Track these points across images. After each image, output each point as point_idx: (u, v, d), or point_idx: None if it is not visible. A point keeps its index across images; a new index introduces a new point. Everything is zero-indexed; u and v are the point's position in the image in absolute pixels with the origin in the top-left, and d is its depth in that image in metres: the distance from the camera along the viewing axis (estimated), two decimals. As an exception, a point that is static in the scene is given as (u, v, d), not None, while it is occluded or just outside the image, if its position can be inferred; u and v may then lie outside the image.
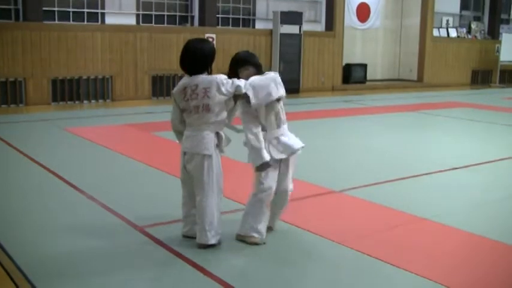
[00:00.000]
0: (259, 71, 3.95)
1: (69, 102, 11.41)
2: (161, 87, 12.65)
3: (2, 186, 5.39)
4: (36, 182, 5.53)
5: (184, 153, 3.85)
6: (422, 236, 4.24)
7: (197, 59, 3.84)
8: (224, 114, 3.83)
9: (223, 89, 3.74)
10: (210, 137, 3.79)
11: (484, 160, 6.87)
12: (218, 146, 3.85)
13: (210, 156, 3.78)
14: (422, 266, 3.64)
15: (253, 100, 3.74)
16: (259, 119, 3.86)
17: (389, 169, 6.34)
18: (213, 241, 3.82)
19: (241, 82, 3.79)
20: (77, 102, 11.51)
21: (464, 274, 3.60)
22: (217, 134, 3.84)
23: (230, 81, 3.79)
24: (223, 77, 3.79)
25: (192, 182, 3.86)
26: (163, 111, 10.55)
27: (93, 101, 11.73)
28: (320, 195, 5.23)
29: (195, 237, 3.90)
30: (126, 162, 6.41)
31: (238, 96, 3.81)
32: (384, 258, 3.73)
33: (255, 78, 3.84)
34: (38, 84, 10.97)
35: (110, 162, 6.45)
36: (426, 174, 6.12)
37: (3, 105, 10.68)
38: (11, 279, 3.36)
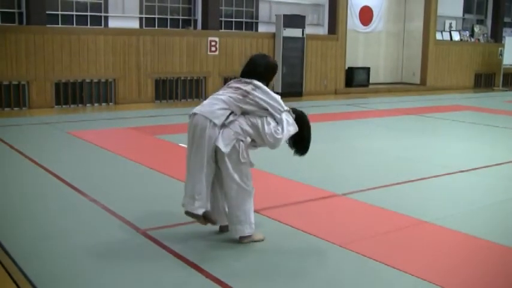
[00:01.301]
0: None
1: (72, 105, 11.44)
2: (164, 90, 12.67)
3: (4, 188, 5.41)
4: (38, 185, 5.55)
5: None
6: (423, 238, 4.24)
7: (257, 72, 4.05)
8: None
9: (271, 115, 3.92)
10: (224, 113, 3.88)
11: (487, 163, 6.86)
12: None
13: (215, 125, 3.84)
14: (422, 268, 3.64)
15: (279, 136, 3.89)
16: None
17: (391, 172, 6.34)
18: (198, 211, 3.88)
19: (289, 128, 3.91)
20: (80, 105, 11.53)
21: (463, 276, 3.60)
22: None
23: (283, 123, 3.91)
24: (284, 117, 3.92)
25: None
26: (166, 115, 10.59)
27: (96, 104, 11.75)
28: (322, 198, 5.24)
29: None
30: (128, 165, 6.43)
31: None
32: (384, 260, 3.73)
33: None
34: (41, 88, 11.01)
35: (112, 165, 6.46)
36: (428, 177, 6.11)
37: (6, 109, 10.71)
38: (13, 280, 3.37)
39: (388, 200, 5.13)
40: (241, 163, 3.89)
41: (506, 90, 18.72)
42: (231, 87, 4.02)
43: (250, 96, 3.90)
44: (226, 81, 13.29)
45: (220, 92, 4.04)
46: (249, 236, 3.98)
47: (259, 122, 3.90)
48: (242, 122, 3.90)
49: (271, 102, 3.92)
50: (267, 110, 3.91)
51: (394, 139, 8.73)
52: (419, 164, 6.83)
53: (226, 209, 4.07)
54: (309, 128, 4.09)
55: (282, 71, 13.83)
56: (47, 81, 11.06)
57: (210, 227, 4.22)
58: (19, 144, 7.28)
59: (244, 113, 3.93)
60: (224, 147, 3.82)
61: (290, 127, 3.91)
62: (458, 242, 4.20)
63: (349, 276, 3.55)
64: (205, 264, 3.60)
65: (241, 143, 3.87)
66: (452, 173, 6.33)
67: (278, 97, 3.98)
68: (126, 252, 3.85)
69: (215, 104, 3.90)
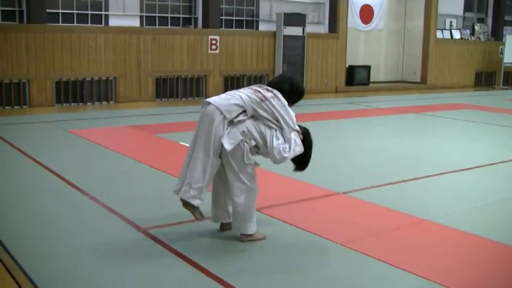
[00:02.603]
0: None
1: (72, 103, 11.44)
2: (165, 89, 12.67)
3: (4, 187, 5.41)
4: (39, 183, 5.55)
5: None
6: (424, 237, 4.25)
7: (282, 87, 4.09)
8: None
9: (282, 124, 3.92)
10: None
11: (488, 162, 6.86)
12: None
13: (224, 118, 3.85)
14: (423, 267, 3.64)
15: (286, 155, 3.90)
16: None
17: (392, 171, 6.34)
18: (194, 202, 3.92)
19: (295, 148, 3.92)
20: (80, 104, 11.54)
21: (465, 275, 3.60)
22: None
23: (291, 142, 3.92)
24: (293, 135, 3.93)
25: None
26: (167, 113, 10.58)
27: (96, 102, 11.75)
28: (323, 197, 5.24)
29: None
30: (129, 163, 6.42)
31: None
32: (386, 259, 3.73)
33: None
34: (41, 86, 11.00)
35: (113, 163, 6.46)
36: (429, 176, 6.11)
37: (7, 107, 10.71)
38: (14, 279, 3.37)
39: (389, 199, 5.13)
40: (246, 163, 3.89)
41: (507, 89, 18.72)
42: (251, 89, 4.03)
43: (267, 103, 3.90)
44: (226, 79, 13.33)
45: (241, 89, 4.05)
46: (251, 235, 3.99)
47: (268, 133, 3.90)
48: (250, 126, 3.89)
49: (285, 116, 3.93)
50: (279, 121, 3.91)
51: (394, 137, 8.73)
52: (420, 162, 6.83)
53: (229, 207, 4.07)
54: (311, 148, 4.13)
55: (283, 70, 13.83)
56: (47, 80, 11.05)
57: (210, 226, 4.22)
58: (19, 143, 7.28)
59: (256, 118, 3.92)
60: (228, 145, 3.82)
61: (297, 148, 3.92)
62: (459, 241, 4.20)
63: (351, 275, 3.55)
64: (206, 263, 3.60)
65: (245, 143, 3.87)
66: (453, 172, 6.32)
67: (293, 115, 3.98)
68: (126, 250, 3.85)
69: (231, 99, 3.91)
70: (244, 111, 3.89)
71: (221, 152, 3.89)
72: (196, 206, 3.96)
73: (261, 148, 3.95)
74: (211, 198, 4.16)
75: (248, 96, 3.93)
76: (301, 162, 4.12)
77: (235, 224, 4.04)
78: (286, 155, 3.87)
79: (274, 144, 3.88)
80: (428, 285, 3.39)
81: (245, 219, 3.96)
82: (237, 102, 3.89)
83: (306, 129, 4.14)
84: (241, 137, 3.85)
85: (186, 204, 3.98)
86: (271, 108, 3.90)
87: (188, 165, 3.95)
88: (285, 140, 3.91)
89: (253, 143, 3.91)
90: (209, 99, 3.95)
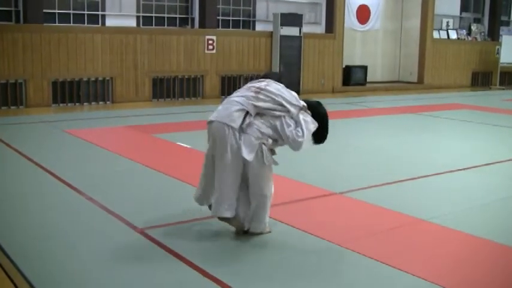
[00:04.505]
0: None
1: (69, 104, 11.42)
2: (161, 89, 12.65)
3: (1, 187, 5.39)
4: (35, 184, 5.53)
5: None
6: (422, 237, 4.24)
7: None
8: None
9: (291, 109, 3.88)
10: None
11: (485, 162, 6.87)
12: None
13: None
14: (421, 267, 3.64)
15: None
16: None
17: (389, 171, 6.34)
18: (227, 214, 3.92)
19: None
20: (77, 104, 11.51)
21: (463, 275, 3.60)
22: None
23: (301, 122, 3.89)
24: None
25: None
26: (163, 113, 10.57)
27: (93, 103, 11.73)
28: (320, 197, 5.23)
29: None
30: (126, 163, 6.41)
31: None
32: (384, 259, 3.73)
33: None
34: (38, 86, 10.98)
35: (109, 163, 6.45)
36: (427, 176, 6.11)
37: (3, 107, 10.68)
38: (11, 280, 3.36)
39: (386, 199, 5.13)
40: (265, 165, 3.89)
41: (504, 89, 18.75)
42: (244, 87, 4.03)
43: (264, 92, 3.88)
44: (223, 79, 13.32)
45: (234, 94, 4.03)
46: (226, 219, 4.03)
47: (277, 123, 3.87)
48: (260, 125, 3.87)
49: (285, 96, 3.89)
50: (283, 105, 3.87)
51: (391, 137, 8.73)
52: (417, 162, 6.84)
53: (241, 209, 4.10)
54: (325, 120, 4.08)
55: (279, 70, 13.83)
56: (44, 80, 11.03)
57: (208, 227, 4.22)
58: (16, 143, 7.25)
59: (261, 114, 3.90)
60: (248, 155, 3.81)
61: (310, 126, 3.89)
62: (457, 241, 4.20)
63: (349, 275, 3.55)
64: (203, 263, 3.59)
65: (263, 146, 3.86)
66: (451, 172, 6.33)
67: (294, 93, 3.97)
68: (123, 251, 3.84)
69: (230, 107, 3.89)
70: (247, 112, 3.87)
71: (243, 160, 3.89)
72: (230, 217, 3.98)
73: (279, 141, 3.94)
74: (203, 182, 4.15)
75: (244, 96, 3.91)
76: (319, 136, 4.08)
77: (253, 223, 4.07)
78: (300, 139, 3.84)
79: (287, 132, 3.83)
80: (426, 286, 3.38)
81: (260, 219, 4.04)
82: (237, 107, 3.86)
83: (317, 102, 4.11)
84: (257, 142, 3.83)
85: (222, 218, 4.02)
86: (269, 95, 3.88)
87: (209, 181, 4.00)
88: (296, 124, 3.87)
89: (270, 141, 3.90)
90: (211, 117, 3.94)
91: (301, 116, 3.90)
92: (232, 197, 3.93)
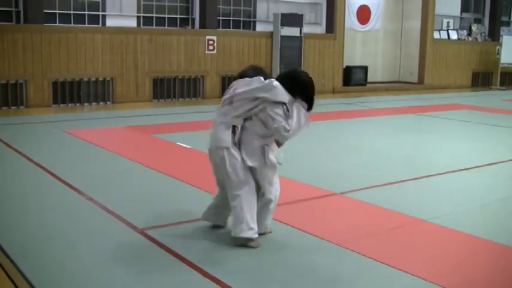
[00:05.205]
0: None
1: (69, 104, 11.41)
2: (162, 89, 12.65)
3: (1, 187, 5.39)
4: (35, 184, 5.53)
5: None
6: (422, 237, 4.24)
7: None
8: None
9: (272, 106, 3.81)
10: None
11: (485, 162, 6.87)
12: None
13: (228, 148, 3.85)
14: (422, 267, 3.64)
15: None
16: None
17: (390, 171, 6.34)
18: (246, 234, 3.85)
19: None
20: (77, 104, 11.51)
21: (463, 275, 3.60)
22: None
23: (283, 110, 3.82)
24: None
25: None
26: (164, 114, 10.57)
27: (93, 103, 11.73)
28: (320, 197, 5.23)
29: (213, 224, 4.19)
30: (126, 164, 6.41)
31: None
32: (384, 259, 3.73)
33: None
34: (38, 86, 10.98)
35: (110, 164, 6.45)
36: (427, 176, 6.11)
37: (3, 107, 10.68)
38: (11, 280, 3.36)
39: (387, 199, 5.13)
40: (267, 166, 3.90)
41: (504, 89, 18.74)
42: (221, 103, 3.97)
43: (236, 97, 3.85)
44: (223, 80, 13.31)
45: (216, 112, 3.98)
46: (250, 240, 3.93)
47: (267, 118, 3.81)
48: (255, 129, 3.88)
49: (252, 88, 3.81)
50: (257, 97, 3.80)
51: (392, 137, 8.73)
52: (417, 162, 6.84)
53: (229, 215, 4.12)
54: (309, 85, 3.96)
55: (280, 70, 13.82)
56: (44, 80, 11.03)
57: (207, 227, 4.22)
58: (16, 143, 7.25)
59: (248, 118, 3.88)
60: (252, 163, 3.84)
61: (302, 120, 3.85)
62: (457, 241, 4.20)
63: (349, 275, 3.55)
64: (203, 263, 3.59)
65: (265, 147, 3.87)
66: (451, 172, 6.33)
67: (259, 80, 3.86)
68: (123, 251, 3.84)
69: (216, 131, 3.89)
70: (234, 126, 3.85)
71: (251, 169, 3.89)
72: (253, 238, 3.91)
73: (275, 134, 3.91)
74: (216, 202, 4.18)
75: (221, 114, 3.89)
76: (308, 106, 4.02)
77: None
78: (285, 134, 3.78)
79: (275, 125, 3.78)
80: (426, 286, 3.38)
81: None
82: (222, 127, 3.85)
83: (296, 70, 4.06)
84: (257, 145, 3.85)
85: (246, 240, 3.93)
86: (241, 97, 3.83)
87: (224, 201, 4.01)
88: (282, 117, 3.78)
89: (270, 140, 3.90)
90: (208, 145, 3.95)
91: (295, 110, 3.85)
92: (251, 218, 3.85)
